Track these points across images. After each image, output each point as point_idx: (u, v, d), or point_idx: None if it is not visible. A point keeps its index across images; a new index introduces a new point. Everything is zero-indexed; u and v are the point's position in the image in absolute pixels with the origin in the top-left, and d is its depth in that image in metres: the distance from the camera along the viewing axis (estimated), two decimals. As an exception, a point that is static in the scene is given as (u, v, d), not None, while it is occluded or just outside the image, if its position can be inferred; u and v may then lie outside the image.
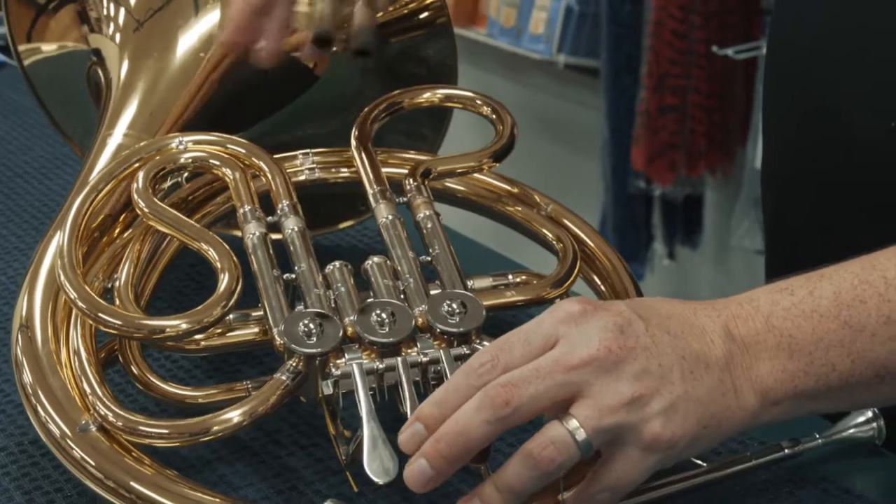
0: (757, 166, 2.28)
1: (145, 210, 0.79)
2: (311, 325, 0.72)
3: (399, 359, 0.72)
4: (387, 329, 0.72)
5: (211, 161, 0.83)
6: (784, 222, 0.99)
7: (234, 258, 0.76)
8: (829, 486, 0.77)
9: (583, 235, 0.87)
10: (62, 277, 0.75)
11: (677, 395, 0.68)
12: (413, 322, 0.73)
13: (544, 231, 0.85)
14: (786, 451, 0.78)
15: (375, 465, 0.68)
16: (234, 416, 0.71)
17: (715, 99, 2.36)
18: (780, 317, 0.70)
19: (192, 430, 0.71)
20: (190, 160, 0.83)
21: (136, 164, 0.83)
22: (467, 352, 0.73)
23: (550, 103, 2.88)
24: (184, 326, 0.73)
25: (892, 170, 0.85)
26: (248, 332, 0.77)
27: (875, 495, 0.76)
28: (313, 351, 0.72)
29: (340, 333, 0.72)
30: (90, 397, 0.73)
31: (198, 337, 0.76)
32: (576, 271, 0.81)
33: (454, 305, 0.74)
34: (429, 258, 0.79)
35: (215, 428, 0.71)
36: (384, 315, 0.73)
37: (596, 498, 0.69)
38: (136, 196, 0.80)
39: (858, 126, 0.87)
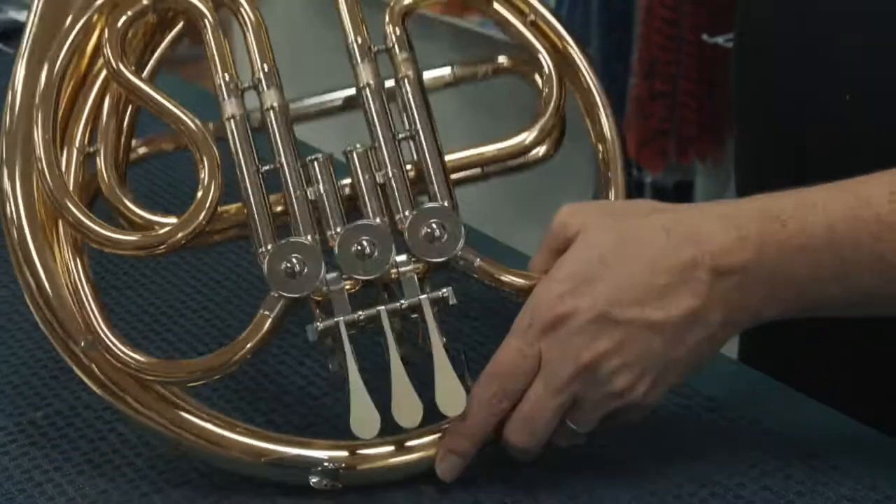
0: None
1: (126, 87, 0.76)
2: (295, 262, 0.74)
3: (380, 309, 0.74)
4: (368, 260, 0.74)
5: None
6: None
7: (215, 151, 0.74)
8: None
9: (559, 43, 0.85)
10: (59, 203, 0.74)
11: (657, 374, 0.72)
12: (392, 255, 0.75)
13: (527, 38, 0.84)
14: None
15: (359, 425, 0.73)
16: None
17: (705, 86, 2.38)
18: (773, 251, 0.71)
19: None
20: None
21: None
22: (446, 295, 0.75)
23: (543, 92, 2.88)
24: (179, 234, 0.75)
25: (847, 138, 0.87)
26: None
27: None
28: (294, 295, 0.74)
29: (321, 273, 0.74)
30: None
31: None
32: (562, 130, 0.85)
33: (433, 227, 0.75)
34: (408, 134, 0.77)
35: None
36: (365, 244, 0.74)
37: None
38: (111, 70, 0.76)
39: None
